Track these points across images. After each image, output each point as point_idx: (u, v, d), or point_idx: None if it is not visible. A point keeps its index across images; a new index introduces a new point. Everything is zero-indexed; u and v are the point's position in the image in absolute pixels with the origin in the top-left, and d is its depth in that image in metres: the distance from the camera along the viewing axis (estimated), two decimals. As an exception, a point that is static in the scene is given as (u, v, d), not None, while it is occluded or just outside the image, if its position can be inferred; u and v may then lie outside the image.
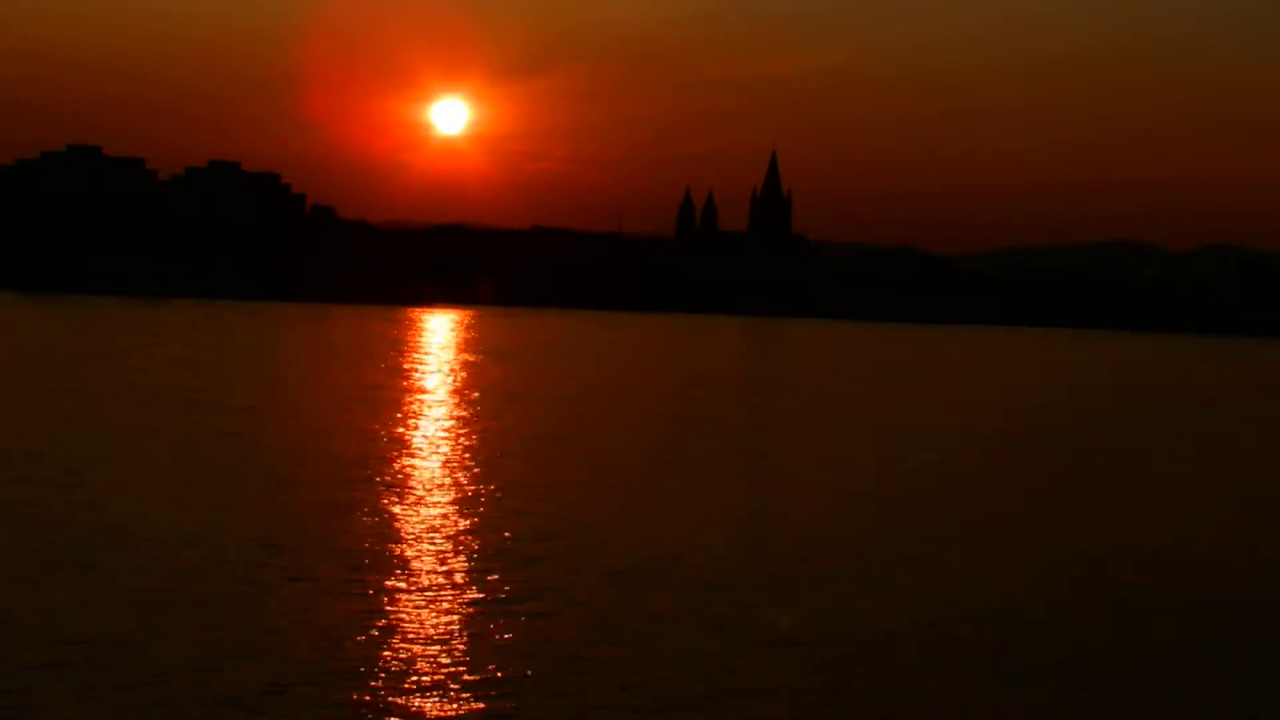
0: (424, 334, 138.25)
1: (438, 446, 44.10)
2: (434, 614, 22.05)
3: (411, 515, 30.84)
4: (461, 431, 48.94)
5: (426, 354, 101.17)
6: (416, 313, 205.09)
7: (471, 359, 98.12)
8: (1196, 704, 19.77)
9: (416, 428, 49.66)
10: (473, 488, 35.43)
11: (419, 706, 17.66)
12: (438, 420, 52.73)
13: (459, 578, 24.64)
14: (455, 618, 21.87)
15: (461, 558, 26.43)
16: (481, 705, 17.82)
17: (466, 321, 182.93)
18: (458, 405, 60.16)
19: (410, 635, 20.74)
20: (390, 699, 17.82)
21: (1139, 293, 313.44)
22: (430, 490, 34.81)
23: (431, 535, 28.60)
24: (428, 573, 24.96)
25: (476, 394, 67.21)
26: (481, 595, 23.41)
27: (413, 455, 41.73)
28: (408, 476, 37.01)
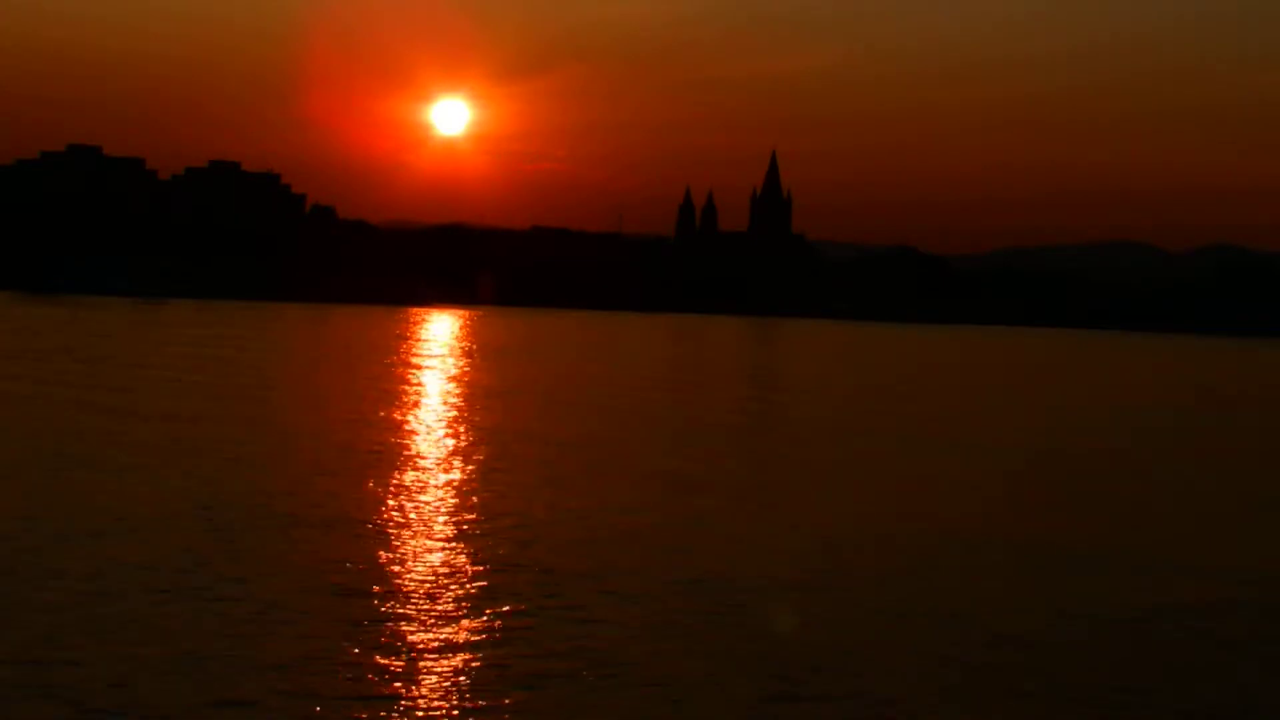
0: (424, 334, 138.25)
1: (434, 446, 44.02)
2: (419, 616, 21.97)
3: (402, 516, 30.76)
4: (462, 432, 48.87)
5: (426, 354, 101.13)
6: (416, 313, 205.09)
7: (471, 359, 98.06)
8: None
9: (413, 428, 49.57)
10: (471, 489, 35.34)
11: (402, 708, 17.61)
12: (435, 420, 52.64)
13: (447, 580, 24.56)
14: (441, 622, 21.80)
15: (452, 560, 26.35)
16: (457, 708, 17.77)
17: (466, 321, 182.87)
18: (457, 405, 60.08)
19: (394, 638, 20.68)
20: (371, 701, 17.77)
21: (1139, 293, 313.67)
22: (422, 490, 34.71)
23: (421, 534, 28.52)
24: (414, 572, 24.88)
25: (476, 394, 67.15)
26: (470, 597, 23.34)
27: (408, 456, 41.64)
28: (401, 478, 36.92)
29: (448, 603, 23.14)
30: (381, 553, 26.84)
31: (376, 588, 23.89)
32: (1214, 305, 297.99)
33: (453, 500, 33.76)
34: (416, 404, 60.49)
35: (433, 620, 21.97)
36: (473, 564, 26.26)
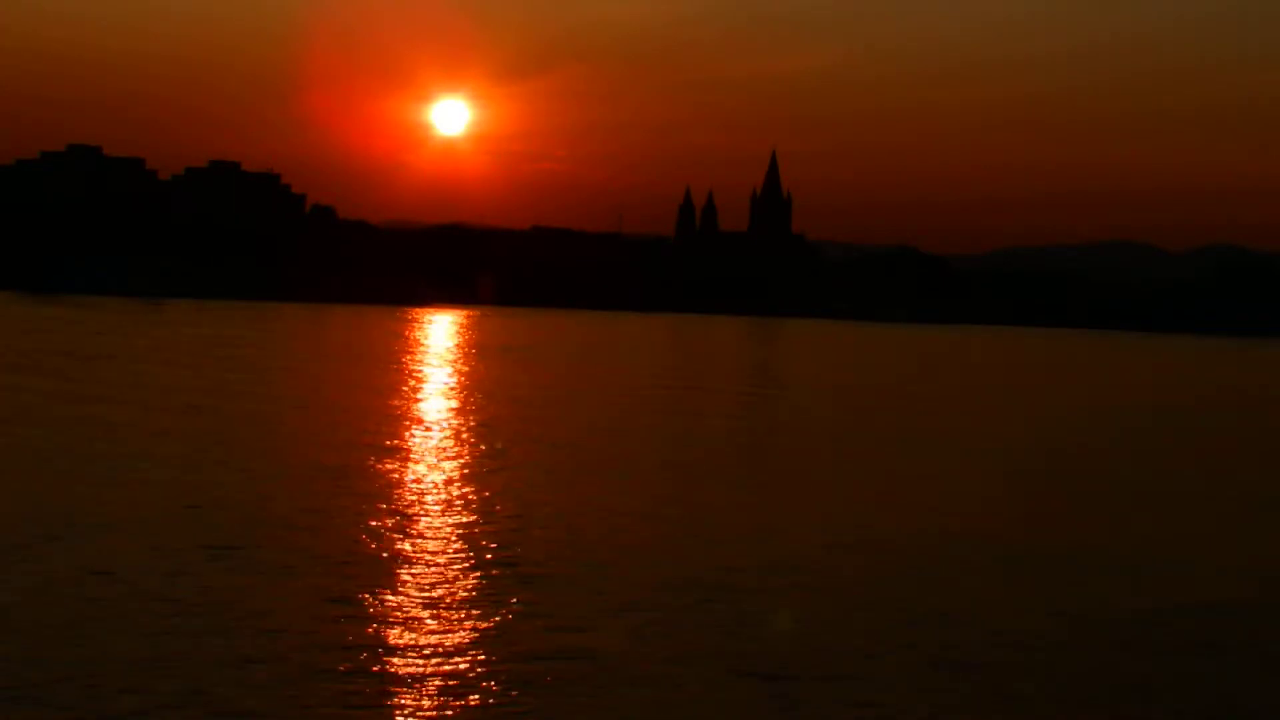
0: (424, 334, 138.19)
1: (433, 446, 43.98)
2: (415, 615, 21.95)
3: (401, 516, 30.72)
4: (461, 431, 48.83)
5: (426, 354, 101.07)
6: (416, 313, 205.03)
7: (471, 359, 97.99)
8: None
9: (412, 428, 49.53)
10: (469, 488, 35.30)
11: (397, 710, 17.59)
12: (435, 420, 52.59)
13: (444, 579, 24.53)
14: (437, 621, 21.77)
15: (449, 560, 26.32)
16: (449, 711, 17.76)
17: (466, 321, 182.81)
18: (457, 405, 60.02)
19: (390, 638, 20.65)
20: (367, 701, 17.75)
21: (1139, 293, 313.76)
22: (421, 490, 34.67)
23: (419, 534, 28.48)
24: (411, 571, 24.85)
25: (476, 394, 67.10)
26: (468, 596, 23.31)
27: (407, 455, 41.60)
28: (399, 477, 36.90)
29: (445, 602, 23.11)
30: (379, 553, 26.80)
31: (373, 588, 23.85)
32: (1214, 305, 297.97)
33: (451, 500, 33.73)
34: (416, 404, 60.45)
35: (429, 620, 21.94)
36: (470, 563, 26.23)
